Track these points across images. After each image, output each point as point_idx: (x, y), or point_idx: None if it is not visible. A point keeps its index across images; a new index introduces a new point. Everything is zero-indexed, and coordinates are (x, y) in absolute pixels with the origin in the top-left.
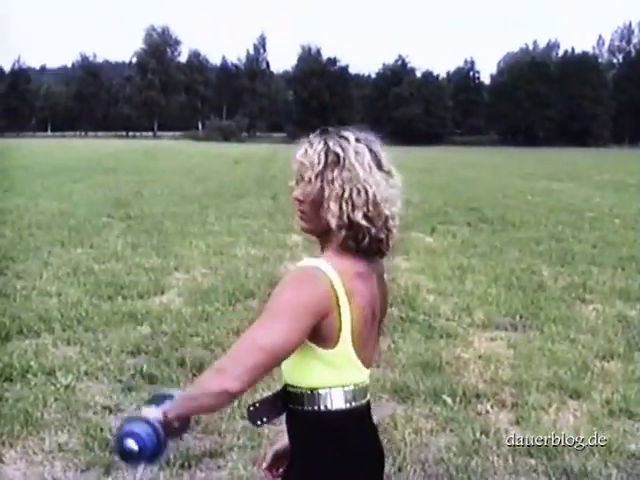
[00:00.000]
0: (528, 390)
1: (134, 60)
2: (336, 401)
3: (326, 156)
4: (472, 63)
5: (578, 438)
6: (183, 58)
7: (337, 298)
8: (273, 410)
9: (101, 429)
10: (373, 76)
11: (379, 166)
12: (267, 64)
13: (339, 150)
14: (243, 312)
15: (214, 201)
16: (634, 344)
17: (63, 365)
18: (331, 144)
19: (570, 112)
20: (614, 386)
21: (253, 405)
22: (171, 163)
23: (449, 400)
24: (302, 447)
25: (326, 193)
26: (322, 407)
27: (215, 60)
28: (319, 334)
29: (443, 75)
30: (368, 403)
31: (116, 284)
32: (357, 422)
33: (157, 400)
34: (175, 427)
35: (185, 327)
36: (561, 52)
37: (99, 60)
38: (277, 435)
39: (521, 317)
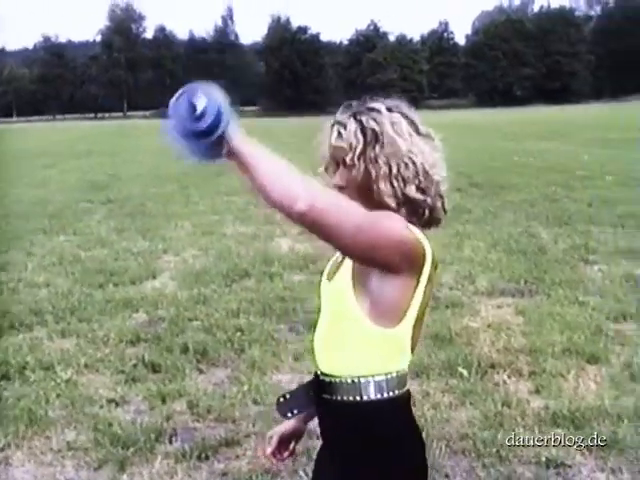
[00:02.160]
0: (544, 357)
1: (98, 38)
2: (378, 390)
3: (364, 135)
4: (446, 24)
5: (603, 405)
6: (149, 34)
7: (422, 268)
8: (304, 401)
9: (109, 424)
10: (345, 43)
11: (418, 132)
12: (236, 36)
13: (375, 125)
14: (240, 293)
15: (194, 180)
16: None
17: (61, 359)
18: (364, 120)
19: (548, 69)
20: (631, 349)
21: (283, 396)
22: (144, 143)
23: (465, 372)
24: (339, 441)
25: (373, 174)
26: (363, 397)
27: (182, 35)
28: (389, 299)
29: (417, 38)
30: (408, 392)
31: (105, 271)
32: (398, 411)
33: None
34: (218, 151)
35: (183, 311)
36: (536, 7)
37: (62, 40)
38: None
39: (526, 282)
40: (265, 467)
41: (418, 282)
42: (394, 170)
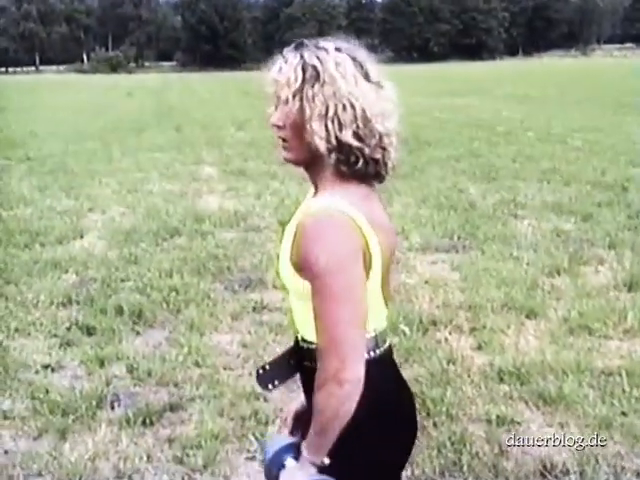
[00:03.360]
0: (483, 313)
1: None
2: None
3: (303, 71)
4: None
5: (545, 359)
6: None
7: (364, 235)
8: (285, 371)
9: (47, 390)
10: None
11: (366, 77)
12: None
13: (316, 62)
14: (172, 252)
15: (115, 136)
16: (577, 258)
17: None
18: (307, 57)
19: (464, 26)
20: (567, 303)
21: (262, 368)
22: (60, 98)
23: (407, 329)
24: None
25: (307, 113)
26: None
27: None
28: None
29: None
30: (390, 348)
31: (30, 231)
32: (384, 370)
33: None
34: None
35: (114, 272)
36: None
37: None
38: (237, 380)
39: (459, 238)
40: (213, 432)
41: (368, 247)
42: (330, 111)
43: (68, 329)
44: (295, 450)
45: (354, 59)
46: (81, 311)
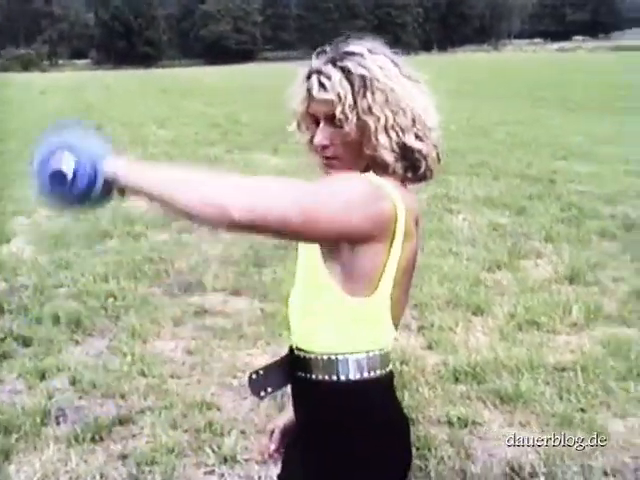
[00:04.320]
0: (429, 310)
1: None
2: (357, 369)
3: (350, 83)
4: None
5: (498, 357)
6: None
7: (395, 229)
8: (278, 379)
9: None
10: None
11: (404, 74)
12: None
13: (363, 71)
14: (105, 255)
15: (35, 136)
16: (516, 252)
17: None
18: (351, 66)
19: (380, 21)
20: (512, 298)
21: (256, 372)
22: None
23: None
24: (313, 424)
25: (371, 126)
26: (340, 377)
27: None
28: (359, 267)
29: None
30: (392, 372)
31: None
32: (380, 395)
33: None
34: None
35: (46, 278)
36: None
37: None
38: (186, 390)
39: None
40: (168, 446)
41: (391, 245)
42: (390, 119)
43: (2, 340)
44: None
45: (390, 59)
46: (15, 321)
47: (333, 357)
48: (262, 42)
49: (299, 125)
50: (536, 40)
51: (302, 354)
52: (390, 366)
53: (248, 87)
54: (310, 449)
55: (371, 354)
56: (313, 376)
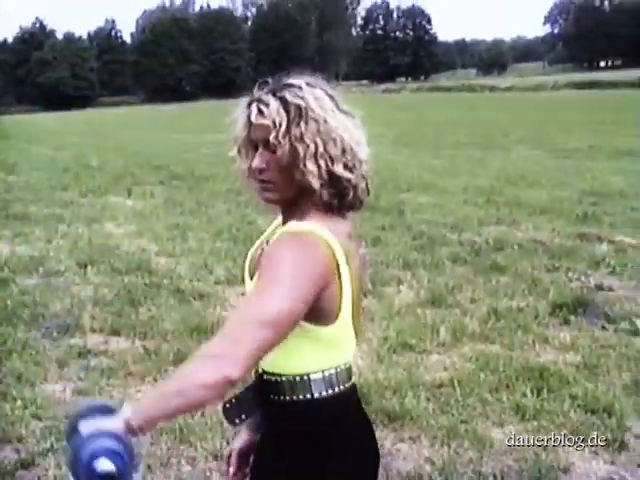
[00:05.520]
0: None
1: None
2: (326, 386)
3: (287, 111)
4: (113, 22)
5: (377, 378)
6: None
7: (338, 264)
8: (251, 405)
9: None
10: (10, 41)
11: (339, 108)
12: None
13: (299, 101)
14: None
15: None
16: (378, 279)
17: None
18: (287, 96)
19: (214, 66)
20: (382, 322)
21: (229, 402)
22: None
23: None
24: (285, 441)
25: (300, 153)
26: (313, 394)
27: None
28: (319, 309)
29: (85, 36)
30: (354, 384)
31: None
32: (351, 403)
33: (97, 411)
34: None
35: None
36: (197, 7)
37: None
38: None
39: None
40: None
41: (340, 277)
42: (320, 148)
43: None
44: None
45: (326, 93)
46: None
47: (305, 377)
48: (99, 87)
49: (239, 151)
50: (363, 82)
51: (273, 378)
52: (353, 377)
53: (91, 132)
54: (283, 465)
55: (339, 369)
56: (287, 397)
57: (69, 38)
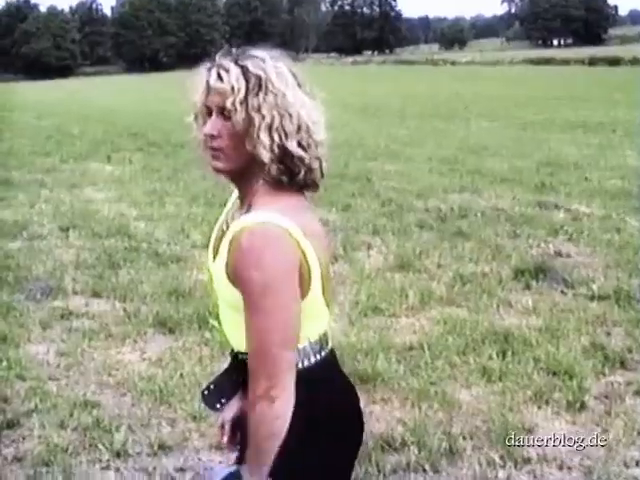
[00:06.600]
0: None
1: None
2: (306, 356)
3: (246, 80)
4: None
5: (350, 340)
6: None
7: (301, 248)
8: (230, 388)
9: None
10: None
11: (300, 86)
12: None
13: (260, 72)
14: None
15: None
16: (348, 245)
17: None
18: (250, 66)
19: (190, 38)
20: (352, 287)
21: (207, 388)
22: None
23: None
24: None
25: (255, 123)
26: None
27: None
28: None
29: (67, 10)
30: (332, 348)
31: None
32: (328, 372)
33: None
34: None
35: None
36: None
37: None
38: (66, 390)
39: None
40: (61, 446)
41: (306, 258)
42: (276, 121)
43: None
44: (237, 477)
45: (289, 68)
46: None
47: None
48: (81, 58)
49: (196, 117)
50: (332, 55)
51: (246, 357)
52: (330, 343)
53: (73, 100)
54: None
55: (313, 340)
56: (249, 382)
57: (52, 11)
